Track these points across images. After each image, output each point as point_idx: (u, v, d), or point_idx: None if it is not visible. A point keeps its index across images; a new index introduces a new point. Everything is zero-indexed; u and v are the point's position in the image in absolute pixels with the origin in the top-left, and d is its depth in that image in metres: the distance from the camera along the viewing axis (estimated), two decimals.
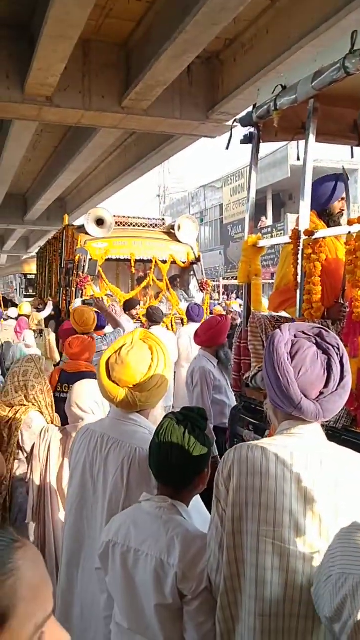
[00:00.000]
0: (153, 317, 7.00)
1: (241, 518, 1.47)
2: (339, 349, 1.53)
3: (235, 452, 1.53)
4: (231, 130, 3.86)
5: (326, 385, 1.49)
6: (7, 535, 0.71)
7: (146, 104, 12.18)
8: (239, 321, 8.15)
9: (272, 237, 25.36)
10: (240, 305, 12.77)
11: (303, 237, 3.12)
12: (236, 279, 26.64)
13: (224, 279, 25.91)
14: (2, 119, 14.15)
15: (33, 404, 3.20)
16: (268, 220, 27.76)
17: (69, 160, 17.96)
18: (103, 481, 2.07)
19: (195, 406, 2.03)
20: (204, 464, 1.78)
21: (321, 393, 1.49)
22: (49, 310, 10.31)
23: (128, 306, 7.88)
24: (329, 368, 1.50)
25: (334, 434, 2.57)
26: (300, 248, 3.12)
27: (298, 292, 3.15)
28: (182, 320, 8.50)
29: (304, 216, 3.20)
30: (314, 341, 1.54)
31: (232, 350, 3.94)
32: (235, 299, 16.52)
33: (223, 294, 22.39)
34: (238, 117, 4.01)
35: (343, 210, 3.65)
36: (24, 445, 3.13)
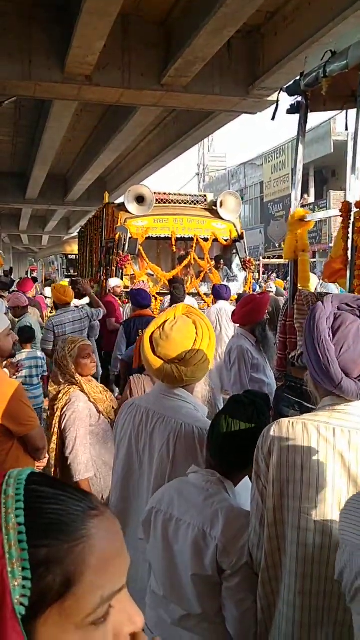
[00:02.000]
0: (173, 296, 6.91)
1: (282, 495, 1.46)
2: None
3: (276, 427, 1.50)
4: (277, 99, 3.71)
5: None
6: (86, 502, 0.71)
7: (185, 80, 12.03)
8: (281, 302, 8.04)
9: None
10: (286, 288, 12.64)
11: (354, 209, 2.98)
12: (277, 258, 26.37)
13: (264, 258, 25.64)
14: (42, 100, 14.21)
15: (72, 383, 3.26)
16: (310, 198, 27.26)
17: (108, 139, 17.95)
18: (149, 456, 2.09)
19: (261, 392, 2.03)
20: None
21: None
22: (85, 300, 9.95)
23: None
24: None
25: None
26: (352, 221, 2.99)
27: (349, 267, 3.03)
28: None
29: (355, 188, 3.07)
30: (358, 314, 1.48)
31: (277, 328, 3.86)
32: (281, 279, 16.24)
33: (263, 273, 22.17)
34: (284, 86, 3.86)
35: None
36: (62, 427, 3.18)
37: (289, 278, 13.89)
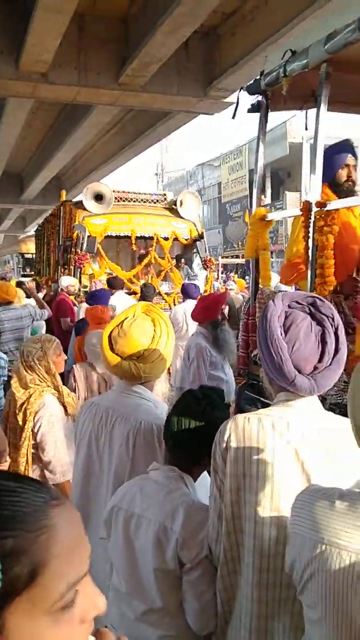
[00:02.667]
0: (143, 294, 7.06)
1: (239, 489, 1.49)
2: (333, 319, 1.51)
3: (232, 423, 1.52)
4: (237, 98, 3.71)
5: (320, 359, 1.48)
6: (45, 492, 0.72)
7: (143, 80, 12.01)
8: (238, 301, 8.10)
9: None
10: (247, 287, 12.73)
11: (315, 208, 3.01)
12: (235, 258, 26.57)
13: (223, 257, 25.83)
14: None
15: (47, 385, 3.18)
16: (267, 199, 27.58)
17: (65, 138, 17.76)
18: (108, 454, 2.09)
19: (215, 386, 2.04)
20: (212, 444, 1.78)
21: (315, 368, 1.48)
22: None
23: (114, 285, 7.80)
24: (323, 341, 1.48)
25: (337, 408, 2.55)
26: (312, 220, 3.02)
27: (309, 266, 3.06)
28: None
29: (315, 187, 3.11)
30: (308, 311, 1.52)
31: (240, 327, 3.88)
32: (241, 278, 16.33)
33: (222, 272, 22.33)
34: (244, 86, 3.88)
35: (351, 177, 3.53)
36: (39, 433, 3.10)
37: (247, 277, 14.02)
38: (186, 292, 7.16)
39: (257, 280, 3.76)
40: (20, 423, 3.09)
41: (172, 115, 15.27)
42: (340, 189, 3.43)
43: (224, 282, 16.21)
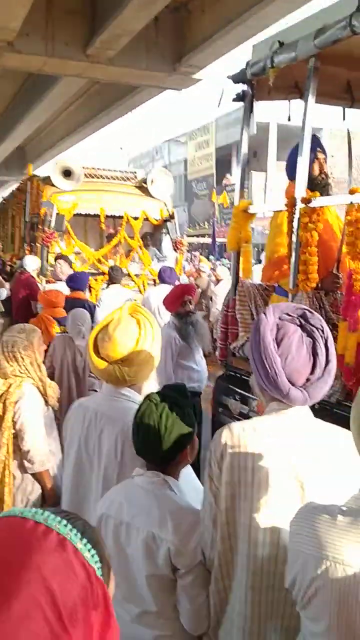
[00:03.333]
0: (112, 277, 6.92)
1: (234, 496, 1.53)
2: (323, 331, 1.55)
3: (227, 432, 1.56)
4: (222, 87, 3.78)
5: (312, 371, 1.52)
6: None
7: (112, 53, 11.78)
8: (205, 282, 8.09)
9: (235, 195, 25.25)
10: (213, 268, 12.76)
11: (300, 204, 3.01)
12: (200, 237, 26.54)
13: (187, 236, 25.82)
14: None
15: (28, 375, 3.16)
16: (232, 178, 27.57)
17: (29, 108, 17.30)
18: (98, 457, 2.11)
19: (176, 383, 2.06)
20: (185, 441, 1.79)
21: (307, 380, 1.52)
22: None
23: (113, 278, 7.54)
24: (314, 353, 1.52)
25: (327, 408, 2.61)
26: (296, 216, 3.02)
27: (292, 262, 3.06)
28: (154, 281, 8.18)
29: (300, 183, 3.10)
30: (298, 323, 1.55)
31: (220, 319, 3.90)
32: (206, 257, 16.31)
33: (187, 251, 22.33)
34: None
35: (323, 170, 3.57)
36: (18, 422, 3.08)
37: (211, 257, 14.06)
38: (161, 277, 7.01)
39: (237, 273, 3.77)
40: (0, 413, 3.07)
41: (140, 90, 15.05)
42: (315, 183, 3.44)
43: (190, 261, 16.21)
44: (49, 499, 3.16)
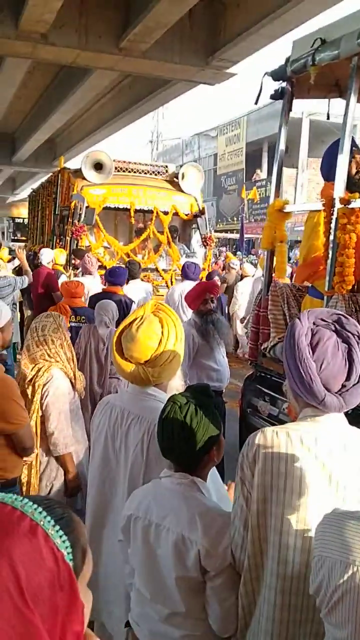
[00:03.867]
0: (130, 272, 6.83)
1: (266, 500, 1.52)
2: (359, 337, 1.52)
3: (260, 436, 1.55)
4: (261, 83, 3.62)
5: (348, 377, 1.49)
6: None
7: (144, 46, 11.77)
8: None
9: (265, 190, 25.07)
10: (240, 262, 12.67)
11: (338, 205, 2.96)
12: (228, 232, 26.43)
13: (215, 231, 25.75)
14: None
15: (56, 360, 3.22)
16: (263, 173, 27.38)
17: (60, 100, 17.40)
18: (124, 455, 2.11)
19: (201, 384, 2.03)
20: (210, 443, 1.78)
21: (343, 386, 1.50)
22: (16, 263, 9.14)
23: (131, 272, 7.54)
24: (350, 359, 1.49)
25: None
26: (334, 217, 2.97)
27: (329, 263, 3.02)
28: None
29: (339, 183, 3.05)
30: (333, 328, 1.53)
31: (251, 318, 3.86)
32: (233, 253, 16.21)
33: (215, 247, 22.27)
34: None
35: None
36: (44, 404, 3.15)
37: (238, 253, 13.90)
38: (185, 273, 6.91)
39: (270, 272, 3.71)
40: (30, 397, 3.14)
41: (172, 84, 15.01)
42: (352, 183, 3.36)
43: (217, 257, 16.13)
44: (70, 484, 3.20)
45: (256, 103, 3.76)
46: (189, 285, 6.18)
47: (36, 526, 0.73)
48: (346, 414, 1.60)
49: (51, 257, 8.20)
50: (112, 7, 11.38)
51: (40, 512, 0.76)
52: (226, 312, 8.06)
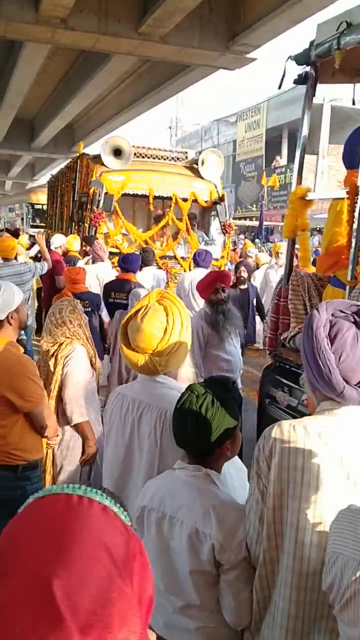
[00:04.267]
0: (143, 259, 6.76)
1: (282, 494, 1.50)
2: None
3: (277, 429, 1.53)
4: (284, 67, 3.52)
5: None
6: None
7: (164, 31, 11.67)
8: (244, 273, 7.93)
9: (285, 177, 24.81)
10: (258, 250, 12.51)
11: None
12: (249, 220, 26.21)
13: (234, 218, 25.58)
14: (13, 40, 13.56)
15: (77, 337, 3.31)
16: (282, 160, 27.08)
17: (79, 85, 17.37)
18: (138, 444, 2.11)
19: (220, 375, 2.01)
20: (225, 435, 1.76)
21: None
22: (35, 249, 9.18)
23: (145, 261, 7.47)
24: None
25: None
26: (358, 205, 2.88)
27: (352, 253, 2.95)
28: None
29: None
30: (352, 320, 1.50)
31: (271, 308, 3.80)
32: (252, 240, 16.05)
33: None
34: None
35: None
36: (64, 373, 3.24)
37: (257, 240, 13.66)
38: (195, 260, 6.83)
39: (292, 261, 3.65)
40: (52, 369, 3.23)
41: (191, 69, 14.90)
42: None
43: (235, 244, 16.00)
44: (88, 450, 3.28)
45: (279, 88, 3.65)
46: (199, 273, 6.16)
47: (105, 507, 0.80)
48: None
49: (60, 242, 8.35)
50: None
51: (101, 495, 0.82)
52: (253, 303, 7.91)
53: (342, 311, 1.52)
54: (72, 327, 3.29)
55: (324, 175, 24.14)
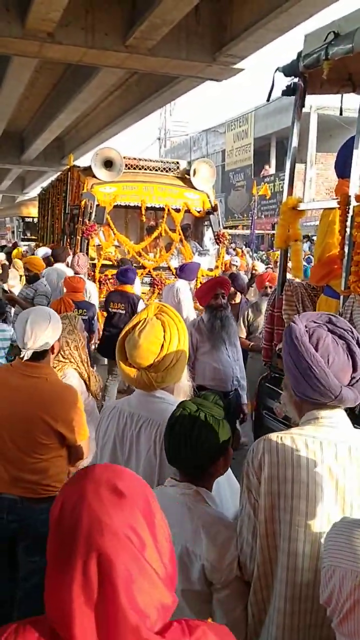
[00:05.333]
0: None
1: (273, 507, 1.50)
2: (352, 332, 1.54)
3: (265, 442, 1.54)
4: (273, 79, 3.51)
5: (354, 369, 1.50)
6: None
7: (151, 43, 11.75)
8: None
9: (274, 186, 24.94)
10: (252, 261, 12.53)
11: (354, 202, 2.87)
12: (236, 229, 26.31)
13: (224, 228, 25.62)
14: (0, 55, 13.61)
15: (70, 361, 3.24)
16: (271, 169, 27.25)
17: (68, 99, 17.44)
18: (135, 459, 2.09)
19: (212, 392, 1.98)
20: (218, 453, 1.74)
21: (352, 377, 1.50)
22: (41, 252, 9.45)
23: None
24: (350, 352, 1.50)
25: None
26: (350, 214, 2.88)
27: (345, 262, 2.95)
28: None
29: (355, 180, 2.96)
30: (327, 328, 1.54)
31: (265, 319, 3.80)
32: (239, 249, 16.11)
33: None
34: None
35: None
36: None
37: (247, 249, 13.57)
38: (177, 272, 7.09)
39: (285, 272, 3.62)
40: None
41: (179, 80, 14.99)
42: None
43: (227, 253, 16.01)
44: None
45: (268, 100, 3.67)
46: (181, 284, 6.59)
47: None
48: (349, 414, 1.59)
49: (45, 253, 8.87)
50: (118, 4, 11.39)
51: None
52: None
53: (314, 321, 1.56)
54: (67, 350, 3.22)
55: (312, 183, 24.29)
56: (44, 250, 8.86)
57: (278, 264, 3.78)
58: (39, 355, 2.59)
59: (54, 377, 2.70)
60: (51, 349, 2.66)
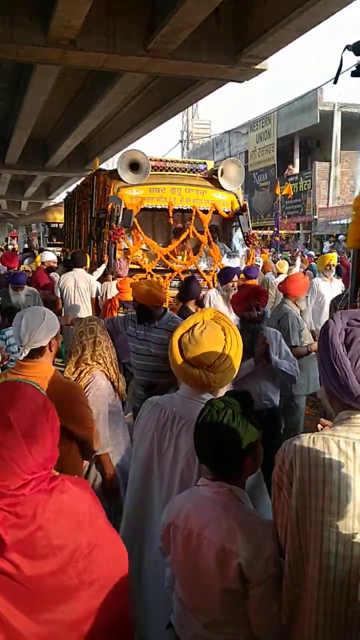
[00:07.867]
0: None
1: (305, 507, 1.51)
2: None
3: (296, 443, 1.55)
4: (341, 59, 3.32)
5: None
6: None
7: (172, 47, 11.77)
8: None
9: (298, 186, 24.81)
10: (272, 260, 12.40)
11: None
12: (260, 229, 26.20)
13: None
14: (23, 63, 13.80)
15: (99, 362, 3.28)
16: (295, 168, 27.11)
17: (91, 104, 17.58)
18: (172, 460, 2.10)
19: (241, 390, 2.00)
20: (247, 450, 1.74)
21: None
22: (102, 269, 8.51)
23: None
24: None
25: None
26: None
27: None
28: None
29: None
30: None
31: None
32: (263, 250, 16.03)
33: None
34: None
35: None
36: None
37: (271, 249, 13.43)
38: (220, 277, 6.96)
39: (359, 275, 3.28)
40: None
41: (201, 82, 14.99)
42: None
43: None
44: (107, 484, 3.23)
45: (335, 82, 3.43)
46: (212, 291, 6.79)
47: (33, 385, 1.66)
48: None
49: (50, 257, 10.37)
50: (139, 9, 11.43)
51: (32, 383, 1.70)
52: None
53: (357, 320, 1.55)
54: (98, 349, 3.27)
55: (337, 181, 24.10)
56: (47, 255, 9.29)
57: (351, 265, 3.41)
58: (37, 353, 2.67)
59: (56, 375, 2.75)
60: (50, 347, 2.74)
